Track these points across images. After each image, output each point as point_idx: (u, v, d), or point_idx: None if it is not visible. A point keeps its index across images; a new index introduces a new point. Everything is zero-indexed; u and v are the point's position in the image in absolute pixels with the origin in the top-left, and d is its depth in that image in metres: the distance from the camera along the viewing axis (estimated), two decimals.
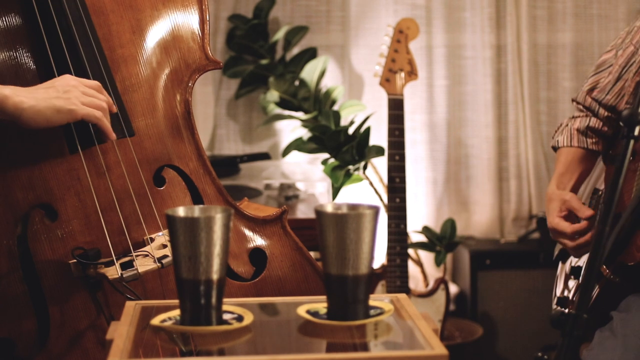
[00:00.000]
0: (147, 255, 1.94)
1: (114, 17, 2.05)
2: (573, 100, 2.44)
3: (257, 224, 2.12)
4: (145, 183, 2.01)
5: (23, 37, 1.95)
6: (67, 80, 1.89)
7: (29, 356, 1.93)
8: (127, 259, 1.93)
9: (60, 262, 1.93)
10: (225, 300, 1.62)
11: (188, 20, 2.13)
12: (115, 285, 1.91)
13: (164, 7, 2.11)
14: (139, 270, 1.90)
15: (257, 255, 2.11)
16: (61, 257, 1.93)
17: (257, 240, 2.11)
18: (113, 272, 1.90)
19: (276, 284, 2.09)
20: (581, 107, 2.42)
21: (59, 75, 1.92)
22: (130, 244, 1.96)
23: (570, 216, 2.26)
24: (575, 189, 2.35)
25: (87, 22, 1.99)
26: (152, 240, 1.98)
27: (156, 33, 2.09)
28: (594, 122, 2.38)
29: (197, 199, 2.08)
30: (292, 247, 2.11)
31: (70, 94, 1.86)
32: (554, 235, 2.28)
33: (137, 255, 1.94)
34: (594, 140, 2.39)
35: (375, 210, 1.59)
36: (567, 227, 2.22)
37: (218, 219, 1.55)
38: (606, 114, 2.37)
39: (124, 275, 1.89)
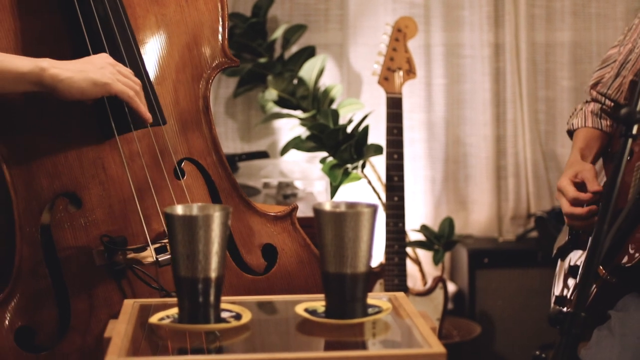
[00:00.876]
0: None
1: (140, 10, 2.09)
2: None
3: (269, 219, 2.15)
4: (168, 174, 2.03)
5: (61, 27, 1.98)
6: (104, 59, 1.94)
7: (49, 345, 1.94)
8: (158, 244, 1.96)
9: (83, 250, 1.95)
10: (223, 298, 1.62)
11: (210, 17, 2.16)
12: (140, 275, 1.94)
13: (187, 3, 2.14)
14: None
15: (268, 250, 2.14)
16: (84, 246, 1.95)
17: (270, 236, 2.14)
18: (148, 255, 1.92)
19: (286, 278, 2.12)
20: (589, 99, 2.47)
21: None
22: (165, 229, 1.97)
23: (581, 187, 2.27)
24: (593, 163, 2.38)
25: (122, 11, 2.03)
26: None
27: (179, 28, 2.13)
28: (606, 106, 2.43)
29: (213, 192, 2.11)
30: (301, 243, 2.15)
31: (106, 70, 1.91)
32: (557, 195, 2.31)
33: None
34: (608, 123, 2.42)
35: (374, 208, 1.60)
36: (571, 191, 2.25)
37: (216, 217, 1.55)
38: (612, 104, 2.41)
39: (160, 259, 1.92)
